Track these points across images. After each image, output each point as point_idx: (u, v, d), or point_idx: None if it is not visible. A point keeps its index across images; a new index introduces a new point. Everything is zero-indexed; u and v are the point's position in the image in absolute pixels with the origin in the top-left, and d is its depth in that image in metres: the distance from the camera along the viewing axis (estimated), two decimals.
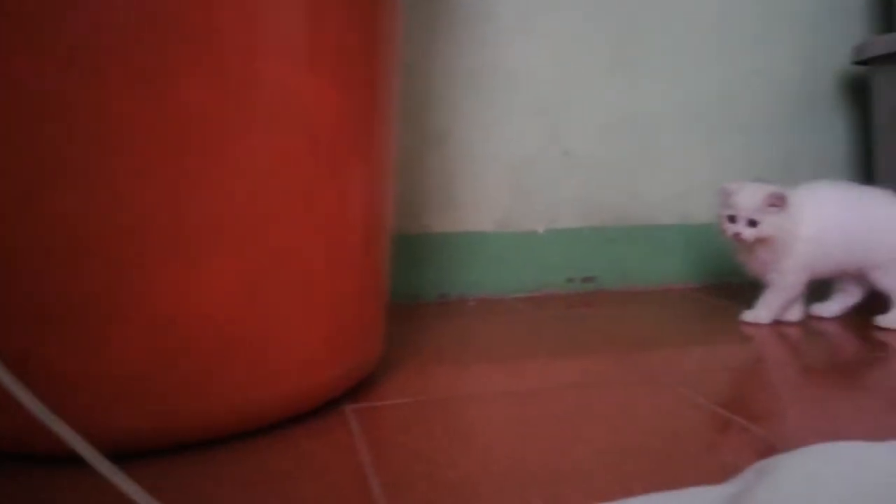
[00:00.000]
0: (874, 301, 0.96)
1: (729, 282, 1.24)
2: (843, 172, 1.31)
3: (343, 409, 0.62)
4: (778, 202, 0.88)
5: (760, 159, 1.27)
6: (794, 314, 0.96)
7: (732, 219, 0.90)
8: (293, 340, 0.56)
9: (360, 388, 0.68)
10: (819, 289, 0.98)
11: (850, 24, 1.29)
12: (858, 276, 0.95)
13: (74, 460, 0.50)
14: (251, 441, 0.55)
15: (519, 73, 1.14)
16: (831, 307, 0.98)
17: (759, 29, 1.24)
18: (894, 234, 0.90)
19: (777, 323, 0.95)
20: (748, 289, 1.19)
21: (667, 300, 1.13)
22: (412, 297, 1.11)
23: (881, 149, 1.13)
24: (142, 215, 0.49)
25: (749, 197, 0.89)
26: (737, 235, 0.90)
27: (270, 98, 0.53)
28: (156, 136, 0.49)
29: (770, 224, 0.88)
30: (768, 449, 0.52)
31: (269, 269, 0.54)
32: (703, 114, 1.23)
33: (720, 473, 0.48)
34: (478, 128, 1.14)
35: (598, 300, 1.13)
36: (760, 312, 0.95)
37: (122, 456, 0.51)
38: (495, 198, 1.15)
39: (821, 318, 0.98)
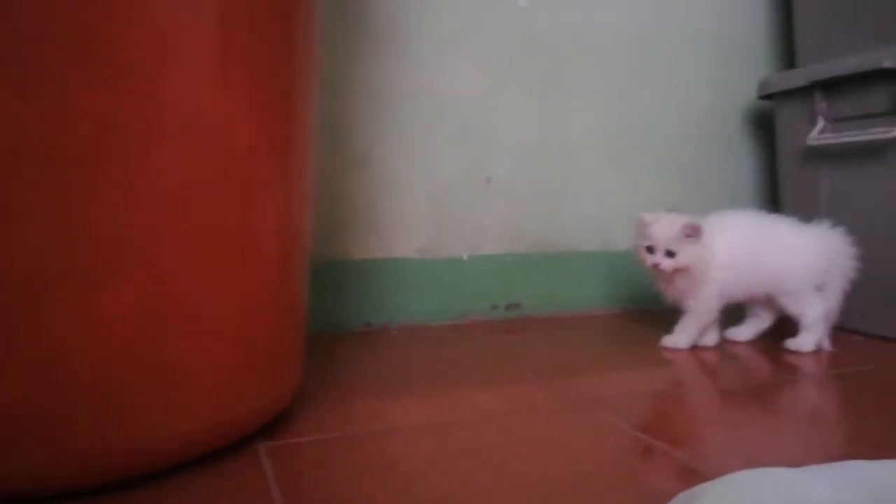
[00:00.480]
0: (785, 325, 1.00)
1: (649, 308, 1.27)
2: (752, 201, 1.37)
3: (256, 447, 0.58)
4: (693, 232, 0.90)
5: (675, 187, 1.31)
6: (710, 339, 0.99)
7: (651, 249, 0.92)
8: (200, 373, 0.53)
9: (275, 424, 0.64)
10: (733, 314, 1.01)
11: (755, 60, 1.37)
12: (769, 302, 0.99)
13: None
14: (154, 484, 0.51)
15: (442, 98, 1.14)
16: (744, 331, 1.02)
17: (674, 61, 1.30)
18: (800, 260, 0.94)
19: (694, 347, 0.98)
20: (667, 314, 1.22)
21: (590, 326, 1.14)
22: (335, 326, 1.08)
23: (785, 180, 1.19)
24: (35, 239, 0.45)
25: (666, 228, 0.91)
26: (656, 266, 0.92)
27: (177, 114, 0.50)
28: (49, 151, 0.45)
29: (687, 254, 0.90)
30: (690, 472, 0.53)
31: (174, 297, 0.50)
32: (622, 142, 1.27)
33: (645, 500, 0.48)
34: (400, 152, 1.13)
35: (522, 327, 1.13)
36: (679, 338, 0.97)
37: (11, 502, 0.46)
38: (419, 224, 1.14)
39: (735, 342, 1.01)
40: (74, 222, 0.46)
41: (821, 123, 1.09)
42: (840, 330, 1.04)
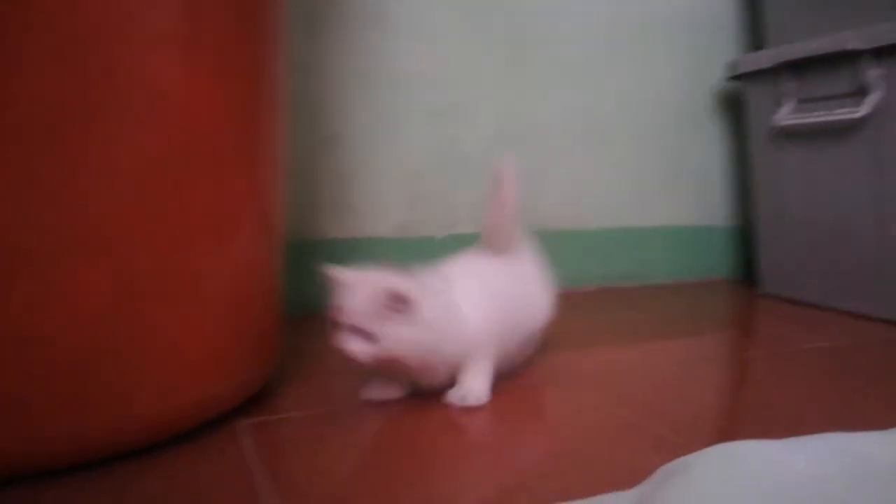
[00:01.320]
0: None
1: (622, 285, 1.30)
2: (722, 182, 1.41)
3: (234, 425, 0.59)
4: (399, 304, 0.59)
5: (648, 166, 1.34)
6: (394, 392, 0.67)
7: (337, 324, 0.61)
8: (174, 352, 0.53)
9: (254, 401, 0.65)
10: None
11: (726, 41, 1.39)
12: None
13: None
14: (130, 463, 0.52)
15: (413, 77, 1.15)
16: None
17: (645, 42, 1.32)
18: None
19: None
20: (651, 290, 1.25)
21: (563, 304, 1.16)
22: (309, 307, 1.09)
23: (754, 160, 1.22)
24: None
25: (358, 296, 0.60)
26: (347, 352, 0.60)
27: (139, 90, 0.50)
28: (11, 130, 0.45)
29: (392, 337, 0.59)
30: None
31: (144, 276, 0.51)
32: (594, 122, 1.29)
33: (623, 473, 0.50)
34: (374, 131, 1.13)
35: None
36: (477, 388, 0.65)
37: None
38: (393, 203, 1.15)
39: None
40: (36, 207, 0.46)
41: (788, 104, 1.12)
42: (810, 307, 1.08)
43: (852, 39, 0.99)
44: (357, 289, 0.61)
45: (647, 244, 1.34)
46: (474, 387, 0.65)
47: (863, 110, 0.98)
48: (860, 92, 0.99)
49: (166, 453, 0.54)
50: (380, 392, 0.67)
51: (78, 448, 0.50)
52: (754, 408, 0.65)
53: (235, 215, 0.58)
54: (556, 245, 1.26)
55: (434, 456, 0.53)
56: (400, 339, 0.60)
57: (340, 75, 1.10)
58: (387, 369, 0.63)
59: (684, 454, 0.42)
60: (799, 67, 1.10)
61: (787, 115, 1.12)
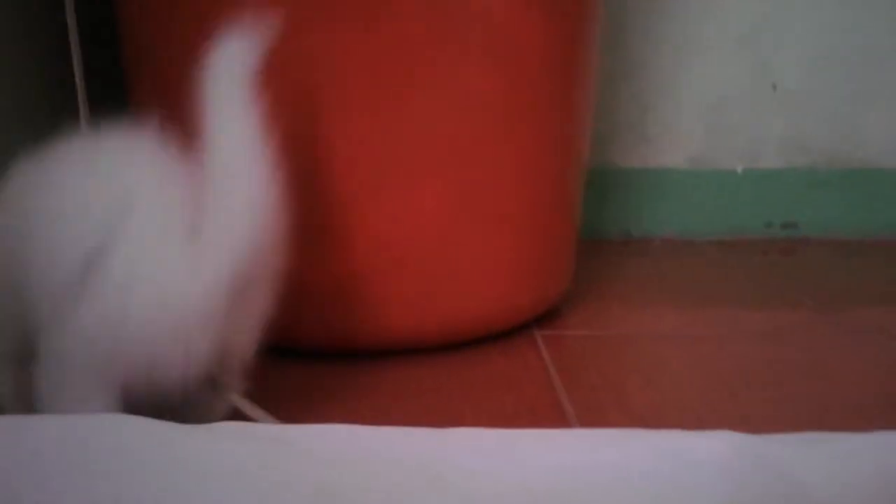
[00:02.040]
0: None
1: None
2: None
3: (532, 334, 0.67)
4: None
5: None
6: None
7: None
8: (487, 262, 0.62)
9: (546, 317, 0.72)
10: None
11: None
12: None
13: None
14: (451, 353, 0.62)
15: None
16: None
17: None
18: None
19: None
20: None
21: (879, 253, 1.04)
22: (594, 233, 1.13)
23: None
24: (361, 144, 0.56)
25: None
26: None
27: (480, 31, 0.56)
28: (375, 69, 0.55)
29: None
30: None
31: (470, 197, 0.59)
32: None
33: None
34: (676, 57, 1.09)
35: (799, 249, 1.07)
36: None
37: (337, 354, 0.60)
38: (690, 133, 1.11)
39: None
40: (396, 134, 0.56)
41: None
42: None
43: None
44: None
45: None
46: None
47: None
48: None
49: (480, 349, 0.63)
50: None
51: (411, 335, 0.61)
52: None
53: (550, 143, 0.63)
54: (877, 186, 1.12)
55: (710, 379, 0.55)
56: None
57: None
58: None
59: None
60: None
61: None
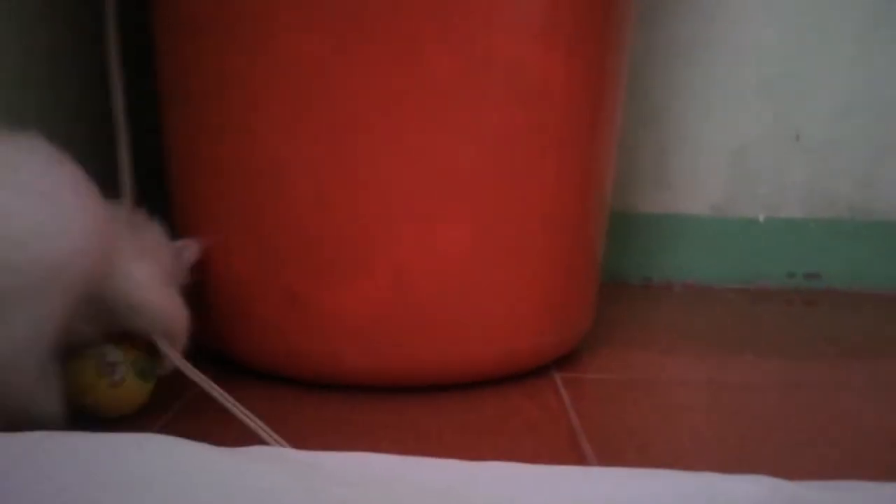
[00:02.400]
0: None
1: None
2: None
3: (551, 376, 0.66)
4: None
5: None
6: None
7: None
8: (509, 302, 0.62)
9: (566, 359, 0.72)
10: None
11: None
12: None
13: (320, 386, 0.60)
14: (472, 392, 0.62)
15: (747, 46, 1.09)
16: None
17: None
18: None
19: None
20: None
21: None
22: (614, 276, 1.13)
23: None
24: (386, 180, 0.57)
25: None
26: None
27: (505, 72, 0.57)
28: (400, 106, 0.56)
29: None
30: None
31: (493, 235, 0.60)
32: None
33: None
34: (697, 105, 1.11)
35: (822, 299, 1.06)
36: None
37: (356, 389, 0.60)
38: (712, 180, 1.12)
39: None
40: (422, 168, 0.57)
41: None
42: None
43: None
44: None
45: None
46: None
47: None
48: None
49: (499, 388, 0.63)
50: None
51: (428, 370, 0.61)
52: None
53: (572, 187, 0.64)
54: None
55: (736, 434, 0.54)
56: None
57: (667, 46, 1.10)
58: None
59: None
60: None
61: None
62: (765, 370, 0.71)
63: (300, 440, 0.47)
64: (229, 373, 0.62)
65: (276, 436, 0.47)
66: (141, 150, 0.65)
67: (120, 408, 0.52)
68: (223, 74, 0.58)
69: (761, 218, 1.12)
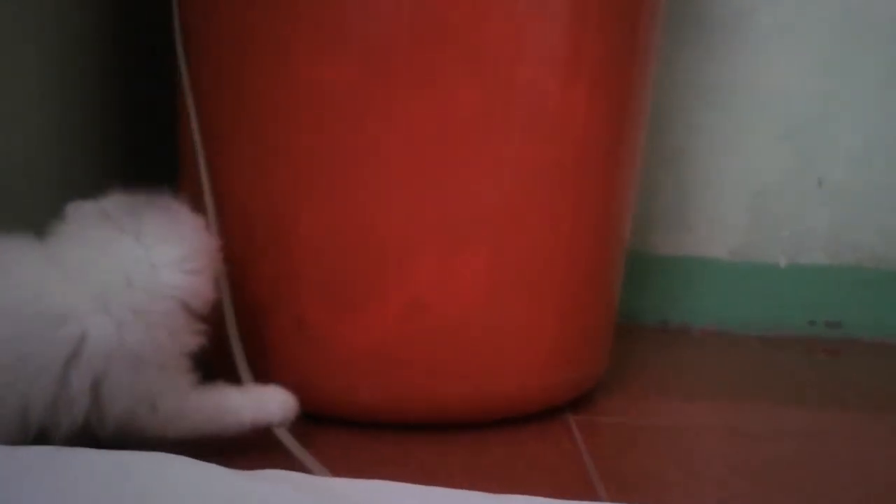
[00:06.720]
0: None
1: None
2: None
3: (566, 418, 0.67)
4: None
5: None
6: None
7: None
8: (524, 340, 0.63)
9: (580, 401, 0.72)
10: None
11: None
12: None
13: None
14: (484, 432, 0.62)
15: (770, 90, 1.11)
16: None
17: None
18: None
19: None
20: None
21: None
22: (630, 318, 1.13)
23: None
24: (405, 210, 0.58)
25: None
26: None
27: (526, 105, 0.59)
28: (421, 137, 0.58)
29: None
30: None
31: (508, 270, 0.61)
32: None
33: None
34: (718, 148, 1.12)
35: (844, 349, 1.06)
36: None
37: (358, 424, 0.60)
38: (733, 224, 1.13)
39: None
40: (441, 200, 0.58)
41: None
42: None
43: None
44: None
45: None
46: None
47: None
48: None
49: (510, 429, 0.63)
50: None
51: (438, 407, 0.62)
52: None
53: (590, 226, 0.65)
54: None
55: (759, 481, 0.54)
56: None
57: (689, 87, 1.11)
58: None
59: None
60: None
61: None
62: (784, 419, 0.71)
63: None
64: None
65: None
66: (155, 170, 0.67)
67: None
68: (243, 99, 0.60)
69: (782, 263, 1.13)
